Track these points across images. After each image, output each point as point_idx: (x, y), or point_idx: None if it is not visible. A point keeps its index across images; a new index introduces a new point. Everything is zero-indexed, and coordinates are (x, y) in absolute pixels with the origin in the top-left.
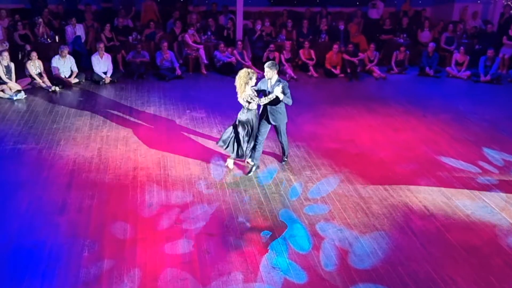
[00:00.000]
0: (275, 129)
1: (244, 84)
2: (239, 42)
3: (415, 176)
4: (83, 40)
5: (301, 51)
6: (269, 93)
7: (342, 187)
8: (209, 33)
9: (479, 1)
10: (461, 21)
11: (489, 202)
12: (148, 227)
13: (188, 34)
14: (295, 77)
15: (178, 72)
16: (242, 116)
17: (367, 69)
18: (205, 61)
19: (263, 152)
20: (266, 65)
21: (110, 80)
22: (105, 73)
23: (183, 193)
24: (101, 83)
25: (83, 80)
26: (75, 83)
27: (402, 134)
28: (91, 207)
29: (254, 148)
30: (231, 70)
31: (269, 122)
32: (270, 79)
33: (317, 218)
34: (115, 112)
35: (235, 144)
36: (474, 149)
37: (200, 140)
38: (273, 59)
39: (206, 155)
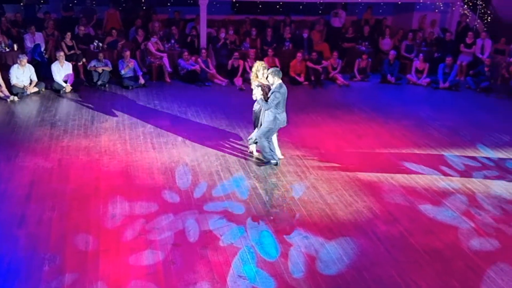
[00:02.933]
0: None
1: (255, 73)
2: (203, 50)
3: (379, 181)
4: (42, 49)
5: (265, 59)
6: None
7: (307, 194)
8: (172, 41)
9: (437, 10)
10: (420, 29)
11: (450, 206)
12: (111, 238)
13: (151, 42)
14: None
15: (142, 80)
16: (256, 106)
17: (331, 77)
18: (169, 69)
19: (229, 161)
20: (268, 71)
21: (71, 89)
22: (65, 82)
23: (147, 203)
24: (61, 92)
25: (43, 90)
26: (35, 93)
27: (365, 141)
28: (52, 219)
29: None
30: (195, 78)
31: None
32: (272, 84)
33: (283, 225)
34: (76, 122)
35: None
36: (435, 154)
37: (165, 149)
38: (238, 67)
39: (171, 164)
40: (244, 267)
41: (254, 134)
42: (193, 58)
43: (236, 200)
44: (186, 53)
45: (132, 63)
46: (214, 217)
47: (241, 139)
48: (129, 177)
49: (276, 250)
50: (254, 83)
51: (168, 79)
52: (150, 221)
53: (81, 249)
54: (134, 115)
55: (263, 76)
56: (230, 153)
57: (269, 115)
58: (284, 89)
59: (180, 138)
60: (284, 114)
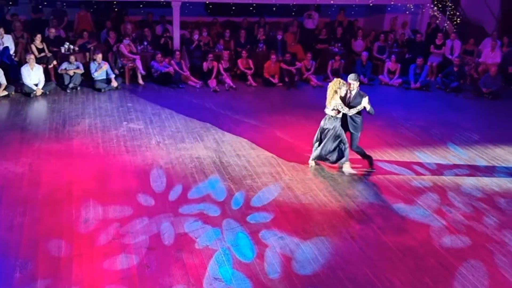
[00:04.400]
0: (350, 136)
1: (334, 92)
2: (177, 52)
3: (352, 181)
4: (12, 51)
5: (239, 61)
6: (349, 104)
7: (282, 194)
8: (145, 43)
9: (407, 12)
10: (391, 31)
11: (422, 204)
12: (84, 243)
13: (124, 44)
14: (233, 86)
15: (114, 83)
16: (328, 124)
17: (305, 78)
18: (142, 72)
19: (203, 163)
20: (351, 78)
21: (42, 92)
22: (36, 85)
23: (121, 207)
24: (32, 95)
25: (13, 93)
26: (4, 96)
27: None
28: (23, 225)
29: (341, 151)
30: (169, 80)
31: (346, 129)
32: (352, 90)
33: (259, 227)
34: (48, 125)
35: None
36: (408, 154)
37: (138, 151)
38: (212, 69)
39: (145, 167)
40: (220, 269)
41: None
42: (167, 60)
43: (212, 202)
44: (159, 55)
45: (105, 66)
46: (190, 220)
47: (215, 141)
48: (102, 180)
49: (252, 252)
50: (332, 103)
51: (141, 81)
52: (124, 225)
53: (54, 254)
54: (106, 118)
55: (344, 90)
56: (205, 155)
57: (361, 122)
58: None
59: (154, 141)
60: None
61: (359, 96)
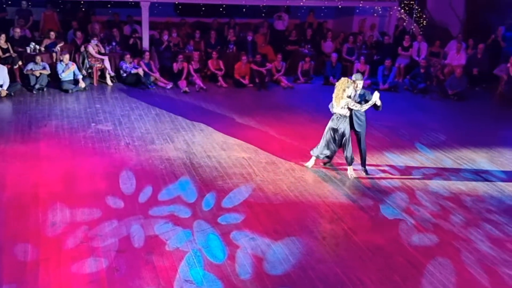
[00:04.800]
0: (356, 136)
1: (342, 91)
2: (146, 53)
3: (323, 181)
4: None
5: (209, 62)
6: (359, 101)
7: (253, 195)
8: (114, 44)
9: (375, 14)
10: (360, 33)
11: (391, 203)
12: (51, 247)
13: (91, 44)
14: (204, 87)
15: (82, 84)
16: (340, 125)
17: (275, 79)
18: (111, 72)
19: (174, 164)
20: (356, 77)
21: (7, 94)
22: (0, 86)
23: (90, 209)
24: None
25: None
26: None
27: (310, 142)
28: None
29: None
30: (138, 81)
31: (352, 129)
32: (358, 90)
33: (230, 228)
34: (13, 127)
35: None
36: (377, 154)
37: (107, 153)
38: (182, 70)
39: (114, 169)
40: (191, 271)
41: (349, 152)
42: (136, 60)
43: (182, 204)
44: (128, 56)
45: (73, 66)
46: (160, 222)
47: (186, 142)
48: (70, 183)
49: (223, 253)
50: (342, 102)
51: (109, 82)
52: (93, 228)
53: (20, 259)
54: (74, 120)
55: (351, 88)
56: (175, 157)
57: (363, 120)
58: None
59: (123, 142)
60: None
61: (364, 94)
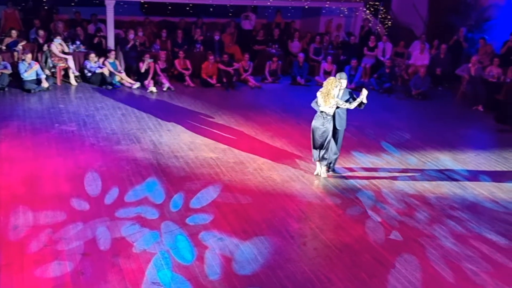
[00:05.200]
0: (334, 135)
1: (331, 90)
2: (111, 52)
3: (291, 180)
4: None
5: (176, 61)
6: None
7: (222, 195)
8: (78, 42)
9: (341, 15)
10: (326, 33)
11: (358, 201)
12: (14, 251)
13: (54, 43)
14: (171, 87)
15: (45, 83)
16: (326, 124)
17: (243, 79)
18: (75, 72)
19: (140, 165)
20: (342, 76)
21: None
22: None
23: (53, 212)
24: None
25: None
26: None
27: (278, 141)
28: None
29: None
30: (103, 81)
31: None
32: (341, 89)
33: (198, 228)
34: None
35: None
36: (344, 153)
37: (71, 154)
38: (148, 69)
39: (79, 170)
40: (159, 273)
41: (331, 154)
42: (101, 60)
43: (150, 205)
44: (93, 55)
45: (36, 66)
46: (126, 224)
47: (153, 142)
48: (33, 185)
49: (192, 254)
50: (333, 100)
51: (74, 82)
52: (57, 231)
53: None
54: (37, 120)
55: (338, 87)
56: (142, 157)
57: (345, 118)
58: None
59: (88, 143)
60: None
61: (348, 93)
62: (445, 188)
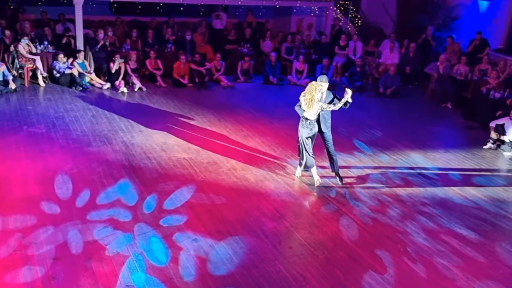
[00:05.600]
0: (323, 139)
1: (314, 95)
2: (81, 52)
3: (265, 180)
4: None
5: (147, 61)
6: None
7: (195, 196)
8: (46, 43)
9: (312, 14)
10: (298, 32)
11: (332, 199)
12: None
13: (21, 44)
14: (142, 87)
15: (12, 85)
16: (314, 129)
17: (215, 78)
18: (43, 73)
19: (112, 167)
20: (321, 79)
21: None
22: None
23: (23, 216)
24: None
25: None
26: None
27: (251, 141)
28: None
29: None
30: (73, 82)
31: (318, 131)
32: (323, 92)
33: (172, 230)
34: None
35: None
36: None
37: (40, 157)
38: (119, 70)
39: (48, 173)
40: (132, 276)
41: (308, 160)
42: (70, 60)
43: (122, 207)
44: (61, 55)
45: (2, 67)
46: (99, 226)
47: (125, 144)
48: (1, 189)
49: (166, 256)
50: (317, 105)
51: (42, 83)
52: (27, 236)
53: None
54: (4, 122)
55: (319, 92)
56: (113, 159)
57: (329, 120)
58: None
59: (57, 145)
60: None
61: (331, 94)
62: (416, 184)
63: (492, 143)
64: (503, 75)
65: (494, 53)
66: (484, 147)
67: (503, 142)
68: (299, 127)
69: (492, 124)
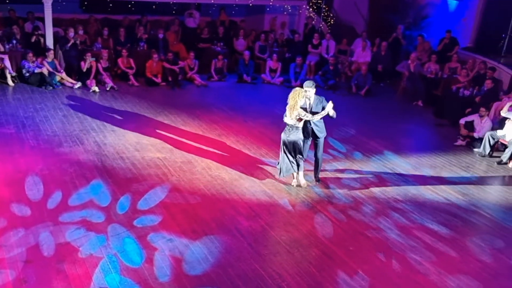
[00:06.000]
0: (314, 144)
1: (295, 102)
2: (50, 51)
3: (240, 178)
4: None
5: (119, 60)
6: (311, 110)
7: (170, 196)
8: (14, 41)
9: (285, 13)
10: (271, 31)
11: (306, 197)
12: None
13: None
14: (115, 86)
15: None
16: (291, 136)
17: (188, 77)
18: (12, 72)
19: (84, 167)
20: (306, 85)
21: None
22: None
23: None
24: None
25: None
26: None
27: (225, 140)
28: None
29: (298, 164)
30: (43, 81)
31: (312, 137)
32: (310, 97)
33: (147, 230)
34: None
35: (291, 162)
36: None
37: (10, 158)
38: (90, 68)
39: (19, 175)
40: (106, 278)
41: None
42: (39, 59)
43: (95, 208)
44: (30, 54)
45: None
46: (71, 228)
47: (97, 144)
48: None
49: (140, 256)
50: (295, 113)
51: (11, 83)
52: None
53: None
54: None
55: (304, 98)
56: (86, 159)
57: (323, 127)
58: None
59: (27, 146)
60: None
61: (319, 101)
62: (389, 181)
63: (462, 140)
64: (472, 73)
65: (463, 51)
66: (455, 143)
67: (472, 138)
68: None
69: (462, 121)
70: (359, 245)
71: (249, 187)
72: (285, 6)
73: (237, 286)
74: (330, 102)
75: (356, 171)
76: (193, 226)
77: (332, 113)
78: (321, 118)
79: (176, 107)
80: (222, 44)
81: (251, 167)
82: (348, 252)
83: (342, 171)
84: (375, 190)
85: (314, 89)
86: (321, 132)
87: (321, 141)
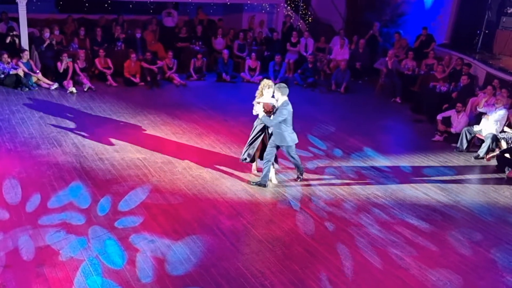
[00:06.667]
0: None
1: (261, 91)
2: (25, 52)
3: (221, 178)
4: None
5: (96, 60)
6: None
7: (151, 196)
8: None
9: (263, 11)
10: (250, 29)
11: (288, 195)
12: None
13: None
14: (92, 87)
15: None
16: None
17: (167, 77)
18: None
19: (63, 169)
20: (275, 86)
21: None
22: None
23: None
24: None
25: None
26: None
27: (206, 139)
28: None
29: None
30: (18, 82)
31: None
32: (277, 100)
33: (128, 232)
34: None
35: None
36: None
37: None
38: (67, 69)
39: None
40: (88, 281)
41: (249, 151)
42: (14, 60)
43: (75, 210)
44: (5, 55)
45: None
46: (51, 231)
47: (75, 145)
48: None
49: (122, 258)
50: (257, 100)
51: None
52: None
53: None
54: None
55: (267, 93)
56: (64, 161)
57: (279, 135)
58: (290, 106)
59: (4, 149)
60: (294, 134)
61: (283, 107)
62: (369, 177)
63: (440, 135)
64: (448, 69)
65: (440, 48)
66: (433, 139)
67: (450, 134)
68: None
69: (439, 117)
70: (341, 242)
71: (230, 186)
72: (263, 5)
73: (220, 285)
74: (260, 105)
75: (337, 168)
76: (175, 227)
77: (261, 116)
78: (265, 119)
79: (155, 107)
80: (200, 43)
81: (232, 166)
82: (330, 248)
83: (322, 168)
84: (356, 187)
85: (284, 93)
86: (278, 141)
87: (285, 150)
